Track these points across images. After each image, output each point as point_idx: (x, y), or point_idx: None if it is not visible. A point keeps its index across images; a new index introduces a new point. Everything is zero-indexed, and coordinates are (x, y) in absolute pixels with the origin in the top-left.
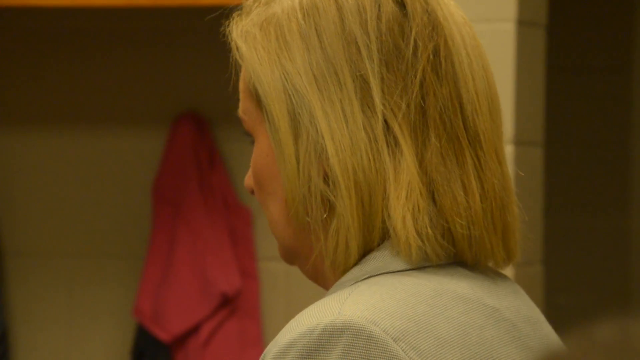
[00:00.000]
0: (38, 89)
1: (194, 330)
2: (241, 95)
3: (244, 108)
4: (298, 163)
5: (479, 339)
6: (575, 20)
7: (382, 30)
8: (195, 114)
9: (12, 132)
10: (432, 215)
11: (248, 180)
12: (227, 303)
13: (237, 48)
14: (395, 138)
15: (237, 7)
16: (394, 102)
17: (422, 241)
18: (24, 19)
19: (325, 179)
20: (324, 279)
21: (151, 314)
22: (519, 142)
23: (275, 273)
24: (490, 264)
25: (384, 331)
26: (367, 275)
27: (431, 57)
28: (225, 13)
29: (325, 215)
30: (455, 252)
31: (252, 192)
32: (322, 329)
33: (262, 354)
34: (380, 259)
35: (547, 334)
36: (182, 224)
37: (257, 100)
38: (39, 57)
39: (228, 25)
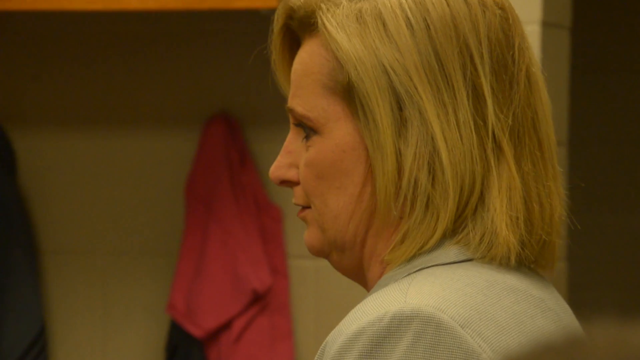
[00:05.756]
0: (76, 91)
1: (226, 326)
2: (306, 90)
3: (309, 104)
4: (398, 161)
5: (532, 327)
6: (599, 22)
7: (492, 41)
8: (227, 116)
9: (50, 134)
10: (527, 221)
11: (280, 170)
12: (258, 299)
13: (333, 39)
14: (500, 148)
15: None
16: (502, 113)
17: (521, 247)
18: (62, 23)
19: (433, 180)
20: (363, 272)
21: (184, 310)
22: None
23: (305, 270)
24: (546, 266)
25: (451, 318)
26: (418, 268)
27: (530, 67)
28: (257, 17)
29: (424, 211)
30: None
31: (281, 183)
32: (390, 316)
33: (323, 344)
34: (430, 253)
35: (579, 325)
36: (214, 222)
37: (347, 95)
38: (78, 61)
39: (315, 14)
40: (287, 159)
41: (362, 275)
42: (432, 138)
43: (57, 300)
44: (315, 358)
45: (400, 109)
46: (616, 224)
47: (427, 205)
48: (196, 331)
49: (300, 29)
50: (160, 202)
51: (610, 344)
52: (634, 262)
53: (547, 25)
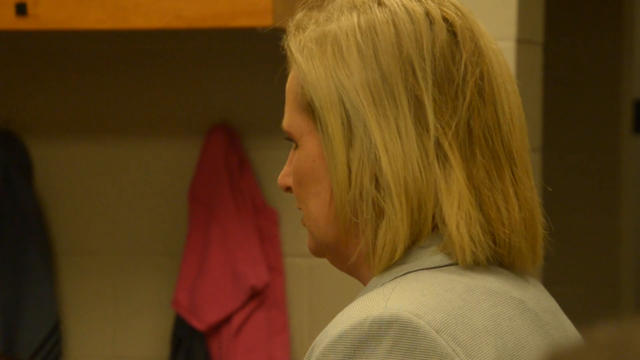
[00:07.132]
0: (87, 104)
1: (227, 320)
2: (288, 107)
3: (289, 120)
4: (349, 170)
5: (509, 329)
6: (569, 39)
7: (437, 55)
8: (227, 125)
9: (63, 144)
10: (482, 223)
11: (283, 179)
12: (256, 295)
13: (295, 61)
14: (444, 154)
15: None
16: (444, 121)
17: (475, 246)
18: (75, 40)
19: (377, 185)
20: (357, 272)
21: (188, 305)
22: None
23: (299, 268)
24: (521, 267)
25: (428, 324)
26: (405, 272)
27: (478, 81)
28: (254, 35)
29: (374, 217)
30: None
31: (286, 189)
32: (371, 321)
33: (312, 344)
34: (417, 257)
35: (563, 322)
36: (215, 224)
37: (310, 110)
38: (89, 75)
39: (285, 39)
40: (289, 167)
41: (356, 273)
42: (374, 146)
43: (70, 297)
44: (305, 356)
45: (350, 122)
46: (587, 225)
47: (377, 211)
48: (199, 325)
49: None
50: (165, 205)
51: None
52: (602, 259)
53: (521, 42)
